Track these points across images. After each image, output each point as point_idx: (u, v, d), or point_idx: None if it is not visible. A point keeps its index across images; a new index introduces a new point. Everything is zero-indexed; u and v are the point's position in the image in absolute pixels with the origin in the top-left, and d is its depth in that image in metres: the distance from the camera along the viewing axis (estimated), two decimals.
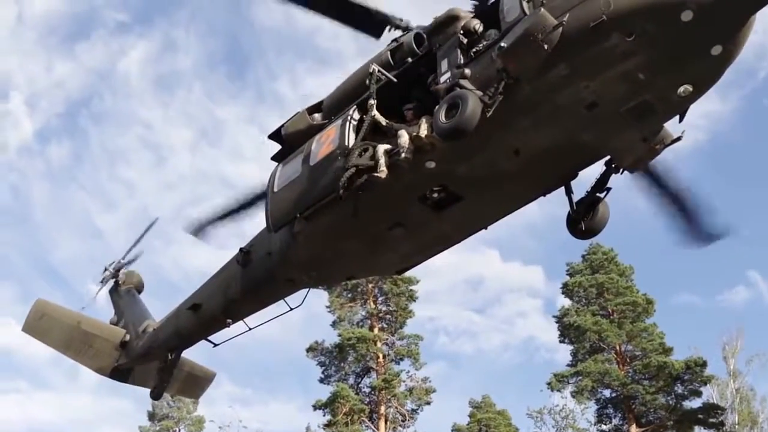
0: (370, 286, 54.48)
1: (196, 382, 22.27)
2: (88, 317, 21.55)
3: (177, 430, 63.77)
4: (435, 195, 13.65)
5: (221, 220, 18.06)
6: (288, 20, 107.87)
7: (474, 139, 11.85)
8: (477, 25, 12.73)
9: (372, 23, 14.14)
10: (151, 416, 63.38)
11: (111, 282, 23.04)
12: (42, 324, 20.72)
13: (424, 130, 12.55)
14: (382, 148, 12.92)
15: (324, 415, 52.91)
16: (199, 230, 18.55)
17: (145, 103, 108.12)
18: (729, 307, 79.93)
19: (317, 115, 15.13)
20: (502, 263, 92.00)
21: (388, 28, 14.16)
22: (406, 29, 14.02)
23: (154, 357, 20.76)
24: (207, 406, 63.68)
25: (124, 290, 22.72)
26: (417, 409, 54.89)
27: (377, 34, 14.23)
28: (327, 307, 55.65)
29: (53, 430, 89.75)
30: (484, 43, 12.38)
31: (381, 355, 54.04)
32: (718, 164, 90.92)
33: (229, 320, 18.02)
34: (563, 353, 70.39)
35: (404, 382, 54.64)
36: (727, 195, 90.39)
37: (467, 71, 12.16)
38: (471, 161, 12.83)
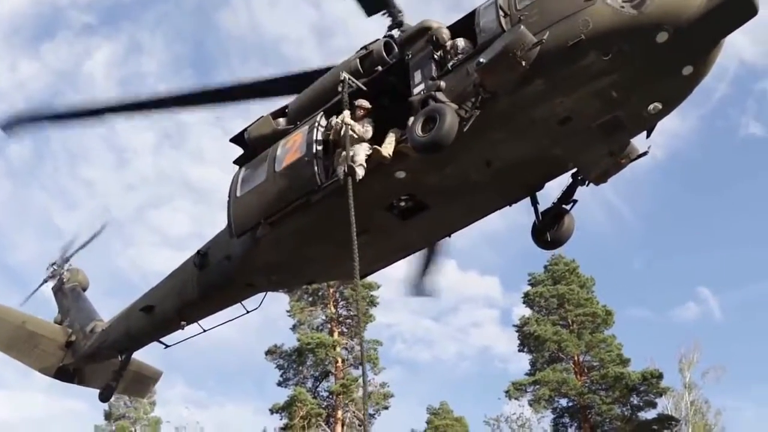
0: (331, 290, 54.29)
1: (143, 381, 21.87)
2: (32, 317, 20.95)
3: (133, 430, 62.84)
4: (402, 204, 13.58)
5: (45, 122, 16.25)
6: (254, 27, 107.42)
7: (447, 152, 11.75)
8: (450, 37, 12.60)
9: None
10: (108, 416, 62.32)
11: (54, 280, 22.46)
12: None
13: (389, 147, 12.51)
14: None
15: (281, 419, 52.64)
16: (13, 124, 16.26)
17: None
18: (680, 323, 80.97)
19: (282, 120, 14.87)
20: (459, 272, 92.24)
21: (383, 12, 13.88)
22: (398, 24, 13.75)
23: (102, 357, 20.32)
24: (162, 406, 62.83)
25: (68, 288, 22.13)
26: (374, 414, 54.76)
27: (371, 11, 13.95)
28: (287, 311, 55.36)
29: (6, 429, 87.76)
30: (460, 56, 12.26)
31: (340, 360, 53.82)
32: (674, 181, 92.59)
33: (183, 322, 17.70)
34: (517, 363, 71.10)
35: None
36: (681, 211, 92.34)
37: (442, 84, 12.06)
38: (442, 172, 12.77)
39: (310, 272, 15.86)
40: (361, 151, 12.68)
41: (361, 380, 54.35)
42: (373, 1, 13.84)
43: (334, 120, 13.14)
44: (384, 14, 13.90)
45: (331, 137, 13.28)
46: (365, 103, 13.20)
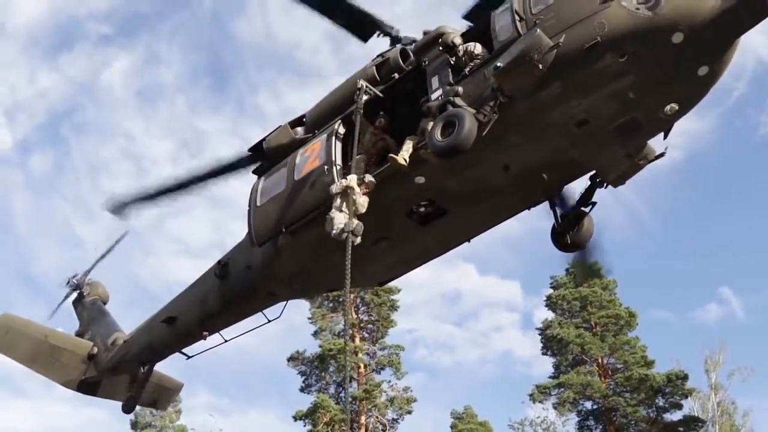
0: (352, 296, 54.18)
1: (164, 393, 21.88)
2: (55, 331, 21.15)
3: None
4: (422, 209, 13.61)
5: (144, 201, 17.45)
6: (269, 35, 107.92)
7: (466, 156, 11.81)
8: (466, 43, 12.72)
9: (363, 26, 14.06)
10: (134, 425, 62.50)
11: (75, 294, 22.62)
12: (7, 338, 20.30)
13: (406, 154, 12.55)
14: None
15: (304, 426, 52.59)
16: (118, 208, 17.80)
17: (128, 115, 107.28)
18: (702, 324, 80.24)
19: (300, 129, 14.99)
20: (479, 277, 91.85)
21: (377, 33, 14.09)
22: (396, 39, 13.95)
23: (124, 370, 20.42)
24: (187, 414, 62.74)
25: (88, 302, 22.29)
26: (398, 419, 54.65)
27: (365, 38, 14.15)
28: (309, 318, 55.44)
29: None
30: (476, 61, 12.37)
31: (362, 365, 53.74)
32: (693, 182, 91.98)
33: (206, 332, 17.80)
34: (539, 368, 70.83)
35: (385, 392, 54.40)
36: (700, 212, 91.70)
37: (460, 89, 12.14)
38: (461, 177, 12.82)
39: (330, 280, 15.73)
40: (354, 223, 12.68)
41: (384, 385, 54.50)
42: (363, 28, 14.06)
43: (343, 180, 13.03)
44: (379, 35, 14.10)
45: (334, 192, 13.09)
46: (372, 181, 13.05)
